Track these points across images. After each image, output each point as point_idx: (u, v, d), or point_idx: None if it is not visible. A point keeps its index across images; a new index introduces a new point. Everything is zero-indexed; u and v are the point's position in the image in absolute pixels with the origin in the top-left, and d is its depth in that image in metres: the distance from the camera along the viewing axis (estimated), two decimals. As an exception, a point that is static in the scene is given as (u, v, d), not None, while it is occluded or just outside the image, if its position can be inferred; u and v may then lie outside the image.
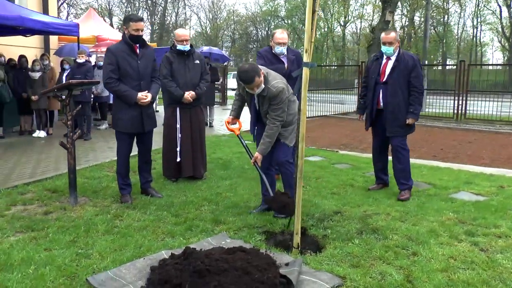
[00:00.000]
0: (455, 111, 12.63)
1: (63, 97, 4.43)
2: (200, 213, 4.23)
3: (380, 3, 14.38)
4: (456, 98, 12.57)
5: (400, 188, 5.03)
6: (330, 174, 6.06)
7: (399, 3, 39.57)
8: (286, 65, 5.13)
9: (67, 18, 35.95)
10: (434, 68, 38.01)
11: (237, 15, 57.72)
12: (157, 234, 3.67)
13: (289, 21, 50.83)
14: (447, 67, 28.77)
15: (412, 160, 7.32)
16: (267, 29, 56.27)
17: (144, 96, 4.50)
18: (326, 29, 48.14)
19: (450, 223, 4.08)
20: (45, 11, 10.59)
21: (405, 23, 41.94)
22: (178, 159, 5.44)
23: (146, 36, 50.84)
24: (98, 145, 8.05)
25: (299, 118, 3.93)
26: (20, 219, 3.89)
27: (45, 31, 8.23)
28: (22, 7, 8.51)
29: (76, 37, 8.77)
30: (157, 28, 51.94)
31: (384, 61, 4.98)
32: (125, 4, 47.06)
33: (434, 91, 16.30)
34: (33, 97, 8.39)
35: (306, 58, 3.32)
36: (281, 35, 5.11)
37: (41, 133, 8.73)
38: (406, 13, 39.95)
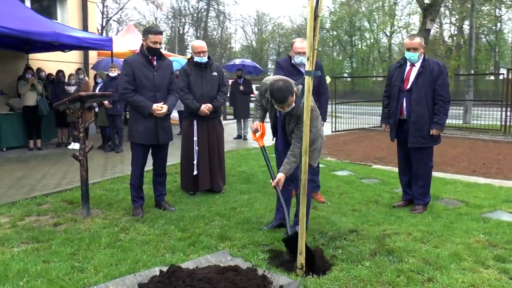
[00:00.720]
0: (503, 123, 11.83)
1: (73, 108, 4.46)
2: (209, 228, 4.09)
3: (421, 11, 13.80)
4: (504, 109, 11.78)
5: (416, 203, 4.71)
6: (356, 190, 5.76)
7: (447, 12, 38.32)
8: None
9: (116, 34, 37.55)
10: (486, 78, 36.33)
11: (282, 28, 57.99)
12: (158, 249, 3.56)
13: (334, 33, 50.39)
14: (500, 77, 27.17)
15: (448, 175, 6.92)
16: (312, 41, 55.82)
17: (160, 107, 4.47)
18: (372, 40, 47.24)
19: (478, 246, 3.70)
20: (85, 27, 11.00)
21: (454, 32, 40.37)
22: (195, 172, 5.36)
23: (190, 51, 52.09)
24: (128, 157, 8.10)
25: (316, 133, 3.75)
26: (29, 230, 3.92)
27: (79, 46, 8.50)
28: (58, 23, 8.87)
29: (110, 52, 9.00)
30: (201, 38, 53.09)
31: (408, 68, 4.69)
32: (172, 20, 48.48)
33: (481, 102, 15.42)
34: (67, 110, 8.65)
35: (308, 67, 3.14)
36: (300, 44, 4.82)
37: (75, 145, 8.97)
38: (454, 21, 38.41)
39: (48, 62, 10.12)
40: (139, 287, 2.71)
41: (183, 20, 50.54)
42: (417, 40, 4.58)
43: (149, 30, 4.51)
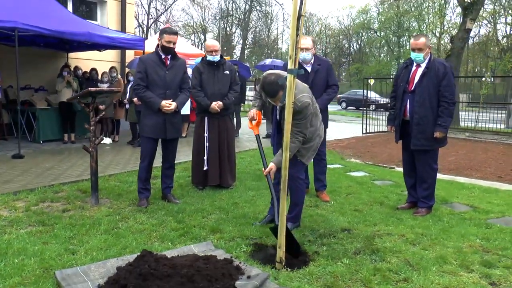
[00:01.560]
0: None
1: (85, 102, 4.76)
2: (204, 221, 4.25)
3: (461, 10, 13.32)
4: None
5: (419, 205, 4.64)
6: (364, 191, 5.73)
7: (502, 11, 36.50)
8: (309, 74, 4.99)
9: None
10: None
11: (329, 28, 57.43)
12: (150, 238, 3.76)
13: (382, 34, 49.36)
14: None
15: (468, 180, 6.71)
16: (359, 42, 55.21)
17: (168, 104, 4.69)
18: (420, 41, 45.68)
19: (468, 251, 3.63)
20: (123, 28, 11.52)
21: (509, 32, 38.44)
22: (205, 168, 5.54)
23: (237, 51, 52.77)
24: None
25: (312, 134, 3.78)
26: (38, 214, 4.24)
27: (112, 45, 8.94)
28: (93, 24, 9.36)
29: (142, 51, 9.39)
30: (250, 43, 53.66)
31: (413, 68, 4.63)
32: (219, 21, 49.29)
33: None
34: (100, 107, 9.13)
35: (290, 65, 3.21)
36: (303, 40, 4.87)
37: (106, 140, 9.45)
38: (510, 21, 36.54)
39: (86, 60, 10.69)
40: (117, 270, 2.89)
41: (229, 21, 51.26)
42: (422, 40, 4.51)
43: (165, 30, 4.76)
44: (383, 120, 13.99)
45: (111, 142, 9.56)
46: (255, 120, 4.19)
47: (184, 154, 7.80)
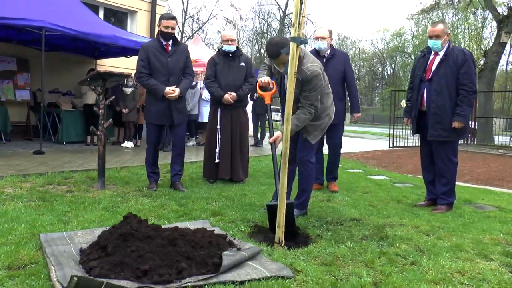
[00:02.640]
0: None
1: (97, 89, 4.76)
2: (208, 207, 4.08)
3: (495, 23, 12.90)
4: None
5: (438, 202, 4.31)
6: (383, 190, 5.43)
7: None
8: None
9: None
10: None
11: (363, 52, 57.07)
12: (147, 216, 3.59)
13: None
14: None
15: (499, 189, 6.24)
16: (393, 65, 54.54)
17: (172, 90, 4.64)
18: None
19: (489, 242, 3.31)
20: (152, 35, 11.74)
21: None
22: (217, 160, 5.41)
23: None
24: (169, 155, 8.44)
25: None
26: (42, 193, 4.19)
27: (137, 49, 9.04)
28: (119, 29, 9.55)
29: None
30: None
31: (431, 57, 4.39)
32: (252, 42, 49.73)
33: None
34: (124, 110, 9.24)
35: (294, 33, 3.07)
36: (319, 30, 4.99)
37: (128, 144, 9.49)
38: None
39: (113, 67, 10.91)
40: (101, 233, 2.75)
41: (263, 42, 51.70)
42: (440, 26, 4.29)
43: (162, 16, 4.77)
44: (410, 136, 13.61)
45: (133, 146, 9.60)
46: (270, 90, 3.88)
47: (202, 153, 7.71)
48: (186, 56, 4.88)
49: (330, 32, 5.03)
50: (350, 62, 5.30)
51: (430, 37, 4.33)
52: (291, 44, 3.08)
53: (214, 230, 2.90)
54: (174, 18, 4.80)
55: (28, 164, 6.15)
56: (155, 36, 4.86)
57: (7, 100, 9.23)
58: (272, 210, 3.25)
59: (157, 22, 12.09)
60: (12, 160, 6.27)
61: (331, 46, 5.03)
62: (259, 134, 11.31)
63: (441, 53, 4.29)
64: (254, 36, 47.66)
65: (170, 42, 4.75)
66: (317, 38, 4.91)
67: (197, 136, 11.16)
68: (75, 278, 1.93)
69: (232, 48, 5.36)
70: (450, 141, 4.32)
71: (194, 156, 7.90)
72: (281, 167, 3.13)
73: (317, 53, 4.95)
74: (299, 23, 3.09)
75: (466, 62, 4.15)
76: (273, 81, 3.89)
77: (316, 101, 3.59)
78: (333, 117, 3.92)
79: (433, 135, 4.29)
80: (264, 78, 3.81)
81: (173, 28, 4.71)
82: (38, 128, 9.57)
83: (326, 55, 4.97)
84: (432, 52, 4.38)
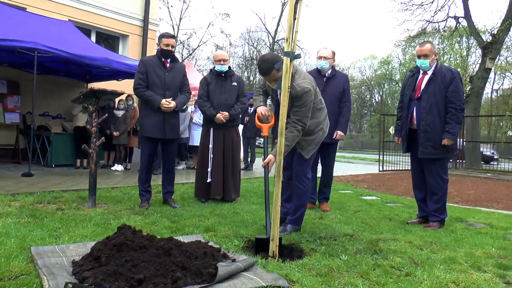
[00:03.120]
0: None
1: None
2: (200, 223, 4.05)
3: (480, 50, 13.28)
4: None
5: (430, 219, 4.34)
6: (374, 210, 5.45)
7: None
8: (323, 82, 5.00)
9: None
10: None
11: (352, 79, 57.86)
12: (140, 232, 3.58)
13: (403, 85, 49.45)
14: None
15: (488, 210, 6.29)
16: (381, 93, 55.34)
17: (167, 102, 4.71)
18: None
19: (482, 256, 3.32)
20: (143, 61, 11.85)
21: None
22: (209, 180, 5.39)
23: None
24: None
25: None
26: (31, 210, 4.13)
27: (129, 72, 9.12)
28: (110, 51, 9.64)
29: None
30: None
31: (420, 76, 4.50)
32: (242, 69, 50.24)
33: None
34: (114, 133, 9.22)
35: (287, 48, 3.15)
36: (322, 49, 5.13)
37: (118, 167, 9.43)
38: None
39: (105, 90, 10.93)
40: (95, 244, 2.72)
41: (253, 70, 52.20)
42: (428, 46, 4.42)
43: (163, 35, 4.88)
44: (400, 160, 13.74)
45: (123, 169, 9.54)
46: (268, 122, 3.87)
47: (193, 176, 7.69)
48: (183, 74, 4.99)
49: (334, 53, 5.17)
50: (349, 82, 5.43)
51: (419, 57, 4.45)
52: (285, 58, 3.16)
53: (208, 242, 2.88)
54: (173, 36, 4.94)
55: (16, 185, 6.06)
56: (155, 54, 4.95)
57: (-4, 123, 9.17)
58: (260, 243, 3.22)
59: (149, 45, 12.21)
60: (0, 182, 6.18)
61: (332, 67, 5.16)
62: (249, 158, 11.30)
63: (430, 72, 4.41)
64: (243, 63, 48.19)
65: (168, 60, 4.84)
66: (320, 58, 5.04)
67: (186, 160, 11.14)
68: (70, 285, 1.90)
69: (224, 68, 5.45)
70: (441, 158, 4.38)
71: (184, 178, 7.86)
72: (275, 179, 3.15)
73: (318, 72, 5.09)
74: (292, 38, 3.17)
75: (453, 81, 4.26)
76: (272, 113, 3.90)
77: (305, 117, 3.60)
78: (327, 132, 3.97)
79: (424, 152, 4.36)
80: (263, 110, 3.83)
81: (172, 46, 4.84)
82: (27, 151, 9.50)
83: (327, 75, 5.08)
84: (421, 72, 4.50)
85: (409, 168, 13.33)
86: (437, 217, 4.42)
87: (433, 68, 4.41)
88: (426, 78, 4.43)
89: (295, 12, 3.16)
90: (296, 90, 3.48)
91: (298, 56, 3.24)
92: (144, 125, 4.82)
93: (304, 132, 3.66)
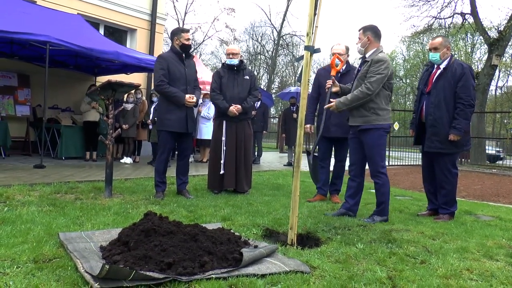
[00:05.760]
0: None
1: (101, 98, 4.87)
2: (216, 213, 4.15)
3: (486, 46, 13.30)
4: None
5: (440, 212, 4.42)
6: (384, 202, 5.51)
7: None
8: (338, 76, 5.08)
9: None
10: None
11: (356, 76, 57.59)
12: (159, 221, 3.68)
13: (408, 81, 49.40)
14: None
15: (496, 204, 6.37)
16: (385, 89, 54.97)
17: (191, 97, 4.85)
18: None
19: (493, 246, 3.41)
20: (151, 52, 11.93)
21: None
22: (222, 172, 5.49)
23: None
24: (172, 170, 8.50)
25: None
26: (51, 200, 4.24)
27: (138, 66, 9.22)
28: (120, 45, 9.72)
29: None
30: (277, 87, 54.46)
31: (434, 70, 4.57)
32: (248, 63, 50.14)
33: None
34: (124, 126, 9.31)
35: (307, 42, 3.23)
36: (336, 45, 5.23)
37: (127, 160, 9.54)
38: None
39: (113, 84, 11.01)
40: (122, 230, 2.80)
41: (258, 65, 52.16)
42: (438, 39, 4.48)
43: (181, 29, 4.98)
44: (406, 156, 13.82)
45: (132, 162, 9.64)
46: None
47: (202, 168, 7.79)
48: (195, 69, 5.07)
49: (347, 48, 5.22)
50: None
51: (430, 50, 4.52)
52: (305, 52, 3.24)
53: (231, 229, 2.97)
54: (189, 30, 5.03)
55: (31, 176, 6.17)
56: (170, 49, 5.03)
57: (7, 115, 9.26)
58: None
59: (156, 39, 12.24)
60: (14, 173, 6.29)
61: (347, 62, 5.21)
62: (255, 152, 11.39)
63: (442, 67, 4.47)
64: (248, 58, 48.17)
65: (183, 55, 4.93)
66: (333, 54, 5.08)
67: (194, 154, 11.22)
68: (107, 266, 1.99)
69: (235, 61, 5.52)
70: (449, 153, 4.44)
71: (194, 171, 7.96)
72: (293, 169, 3.24)
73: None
74: (312, 33, 3.25)
75: (464, 76, 4.31)
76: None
77: (375, 83, 4.05)
78: (389, 119, 4.33)
79: (430, 147, 4.43)
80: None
81: (190, 39, 4.92)
82: (37, 144, 9.61)
83: (341, 71, 5.12)
84: (435, 66, 4.55)
85: (415, 163, 13.43)
86: (447, 209, 4.49)
87: (445, 62, 4.46)
88: (438, 72, 4.49)
89: (315, 8, 3.24)
90: (375, 57, 4.06)
91: (318, 50, 3.31)
92: (169, 120, 4.88)
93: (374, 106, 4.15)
